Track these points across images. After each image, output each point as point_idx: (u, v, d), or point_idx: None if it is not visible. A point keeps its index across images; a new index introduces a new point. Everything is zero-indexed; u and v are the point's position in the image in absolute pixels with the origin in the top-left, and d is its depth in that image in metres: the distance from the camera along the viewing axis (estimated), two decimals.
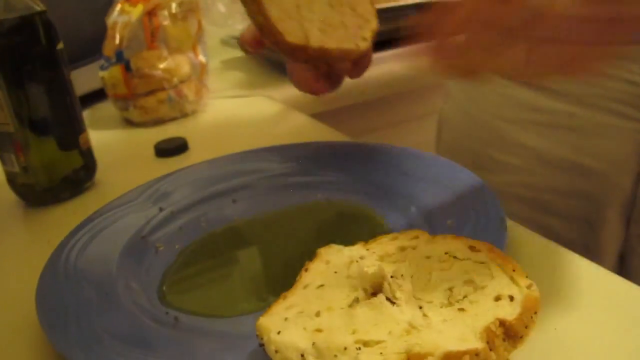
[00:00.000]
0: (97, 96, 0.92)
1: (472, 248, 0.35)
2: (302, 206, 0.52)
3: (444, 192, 0.48)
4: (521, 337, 0.29)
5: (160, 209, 0.51)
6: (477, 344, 0.27)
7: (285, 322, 0.32)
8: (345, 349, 0.28)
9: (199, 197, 0.53)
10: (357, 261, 0.35)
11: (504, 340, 0.28)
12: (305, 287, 0.35)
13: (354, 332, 0.30)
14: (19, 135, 0.56)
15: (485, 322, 0.28)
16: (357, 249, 0.38)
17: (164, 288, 0.42)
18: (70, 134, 0.60)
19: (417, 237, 0.38)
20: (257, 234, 0.50)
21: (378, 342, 0.29)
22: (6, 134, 0.56)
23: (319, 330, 0.30)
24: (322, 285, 0.35)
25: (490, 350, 0.28)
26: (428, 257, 0.35)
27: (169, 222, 0.50)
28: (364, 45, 0.51)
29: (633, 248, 0.66)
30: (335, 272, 0.35)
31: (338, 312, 0.32)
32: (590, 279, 0.39)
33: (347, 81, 1.05)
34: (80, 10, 0.93)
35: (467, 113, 0.74)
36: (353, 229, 0.48)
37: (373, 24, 0.53)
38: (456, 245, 0.36)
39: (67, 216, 0.58)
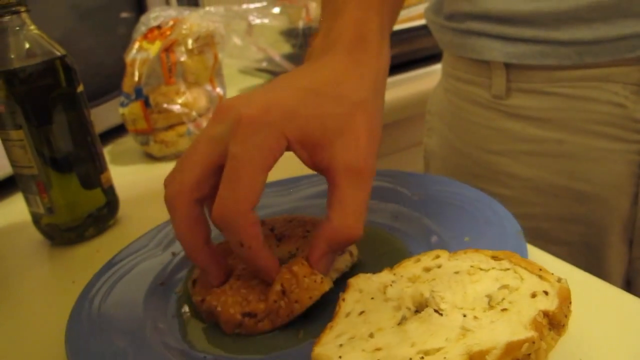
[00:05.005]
0: (118, 131, 0.94)
1: (494, 258, 0.36)
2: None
3: (456, 211, 0.48)
4: (563, 326, 0.31)
5: (173, 254, 0.51)
6: (531, 333, 0.29)
7: (341, 348, 0.32)
8: (410, 359, 0.29)
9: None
10: (390, 285, 0.36)
11: (549, 329, 0.30)
12: (347, 315, 0.36)
13: (412, 345, 0.31)
14: (42, 176, 0.57)
15: (530, 315, 0.30)
16: (385, 275, 0.39)
17: (188, 335, 0.42)
18: (92, 173, 0.61)
19: (438, 257, 0.39)
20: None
21: (438, 349, 0.30)
22: (30, 176, 0.58)
23: (378, 349, 0.31)
24: (363, 312, 0.35)
25: (541, 340, 0.29)
26: (456, 273, 0.36)
27: (184, 266, 0.50)
28: None
29: (638, 271, 0.64)
30: (372, 298, 0.36)
31: (390, 331, 0.33)
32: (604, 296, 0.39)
33: None
34: (99, 48, 0.96)
35: (453, 148, 0.73)
36: (376, 251, 0.48)
37: None
38: (478, 257, 0.37)
39: (92, 254, 0.59)
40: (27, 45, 0.55)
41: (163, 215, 0.58)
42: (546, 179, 0.63)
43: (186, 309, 0.45)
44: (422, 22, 1.05)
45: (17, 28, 0.55)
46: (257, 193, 0.39)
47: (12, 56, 0.55)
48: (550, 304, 0.31)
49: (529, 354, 0.29)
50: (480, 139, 0.68)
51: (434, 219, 0.48)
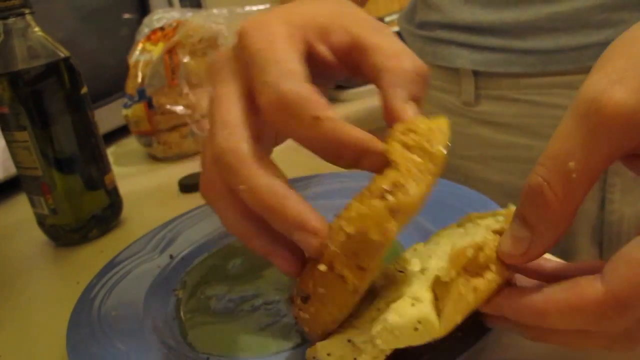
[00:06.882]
0: (121, 132, 0.94)
1: (459, 225, 0.37)
2: None
3: (451, 209, 0.49)
4: None
5: (171, 257, 0.51)
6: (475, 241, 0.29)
7: (325, 341, 0.32)
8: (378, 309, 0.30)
9: (205, 240, 0.54)
10: None
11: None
12: None
13: (378, 302, 0.31)
14: (46, 177, 0.58)
15: (482, 236, 0.30)
16: None
17: (189, 336, 0.42)
18: (96, 174, 0.61)
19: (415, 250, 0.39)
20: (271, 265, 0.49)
21: (401, 296, 0.30)
22: (34, 178, 0.58)
23: (352, 327, 0.31)
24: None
25: (491, 263, 0.29)
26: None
27: (182, 268, 0.50)
28: None
29: None
30: None
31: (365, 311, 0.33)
32: None
33: (366, 107, 1.06)
34: (102, 50, 0.96)
35: None
36: None
37: None
38: (445, 232, 0.38)
39: (96, 255, 0.59)
40: (31, 47, 0.55)
41: (166, 216, 0.58)
42: (516, 183, 0.64)
43: (186, 310, 0.45)
44: None
45: (22, 30, 0.55)
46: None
47: (17, 58, 0.55)
48: (500, 227, 0.31)
49: (488, 265, 0.28)
50: (453, 145, 0.70)
51: (428, 218, 0.48)
